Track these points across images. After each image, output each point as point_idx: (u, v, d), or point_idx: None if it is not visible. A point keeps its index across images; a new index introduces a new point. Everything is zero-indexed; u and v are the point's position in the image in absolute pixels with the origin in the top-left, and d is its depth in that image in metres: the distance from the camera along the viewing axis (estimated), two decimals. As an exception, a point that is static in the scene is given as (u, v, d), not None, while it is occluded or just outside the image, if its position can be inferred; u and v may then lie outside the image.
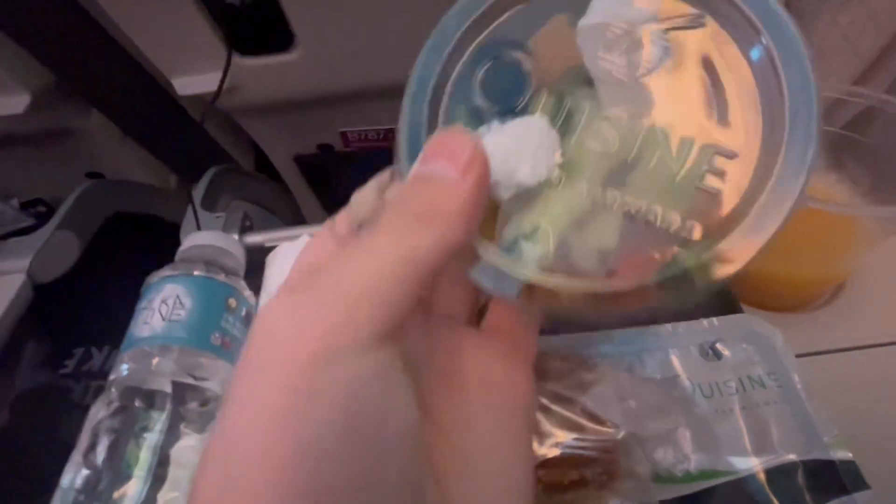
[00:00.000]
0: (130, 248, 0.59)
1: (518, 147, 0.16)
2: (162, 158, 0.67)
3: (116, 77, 0.55)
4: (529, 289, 0.16)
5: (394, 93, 0.26)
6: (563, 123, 0.17)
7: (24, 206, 0.70)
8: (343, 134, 0.65)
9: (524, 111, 0.17)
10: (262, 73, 0.53)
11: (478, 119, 0.17)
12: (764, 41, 0.15)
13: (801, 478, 0.25)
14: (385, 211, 0.15)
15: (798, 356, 0.33)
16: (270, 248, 0.45)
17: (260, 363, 0.13)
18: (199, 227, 0.45)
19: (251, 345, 0.13)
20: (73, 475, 0.28)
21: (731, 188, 0.15)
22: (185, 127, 0.64)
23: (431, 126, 0.17)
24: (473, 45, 0.18)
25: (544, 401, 0.21)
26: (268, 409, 0.12)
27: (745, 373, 0.28)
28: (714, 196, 0.15)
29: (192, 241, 0.39)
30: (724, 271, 0.15)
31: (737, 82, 0.16)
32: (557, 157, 0.16)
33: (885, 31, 0.51)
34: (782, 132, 0.15)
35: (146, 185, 0.68)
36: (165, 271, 0.35)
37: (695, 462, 0.24)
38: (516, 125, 0.16)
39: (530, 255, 0.16)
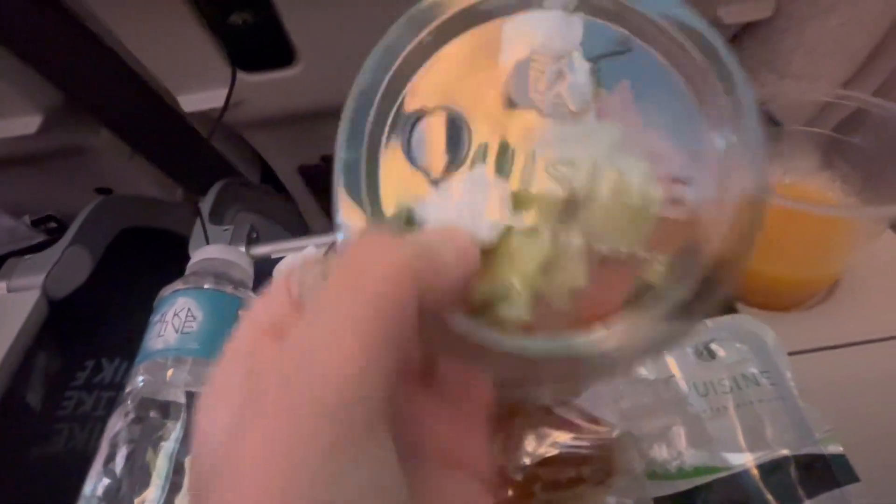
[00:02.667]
0: (140, 261, 0.61)
1: (469, 205, 0.15)
2: (169, 173, 0.69)
3: (124, 96, 0.57)
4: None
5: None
6: (508, 168, 0.16)
7: (36, 223, 0.71)
8: (345, 145, 0.66)
9: (462, 164, 0.16)
10: (265, 88, 0.55)
11: (414, 184, 0.16)
12: (693, 56, 0.15)
13: (793, 472, 0.26)
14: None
15: (792, 354, 0.34)
16: (277, 259, 0.46)
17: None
18: (207, 241, 0.47)
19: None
20: (95, 484, 0.29)
21: (690, 213, 0.15)
22: (191, 142, 0.65)
23: (371, 197, 0.16)
24: (396, 103, 0.16)
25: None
26: None
27: (739, 371, 0.29)
28: (676, 223, 0.15)
29: (201, 254, 0.41)
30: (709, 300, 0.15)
31: (674, 104, 0.15)
32: (510, 206, 0.15)
33: (876, 32, 0.52)
34: (728, 146, 0.15)
35: (154, 199, 0.70)
36: (177, 285, 0.37)
37: (689, 458, 0.25)
38: (462, 182, 0.16)
39: (507, 315, 0.15)
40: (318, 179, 0.73)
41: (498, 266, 0.15)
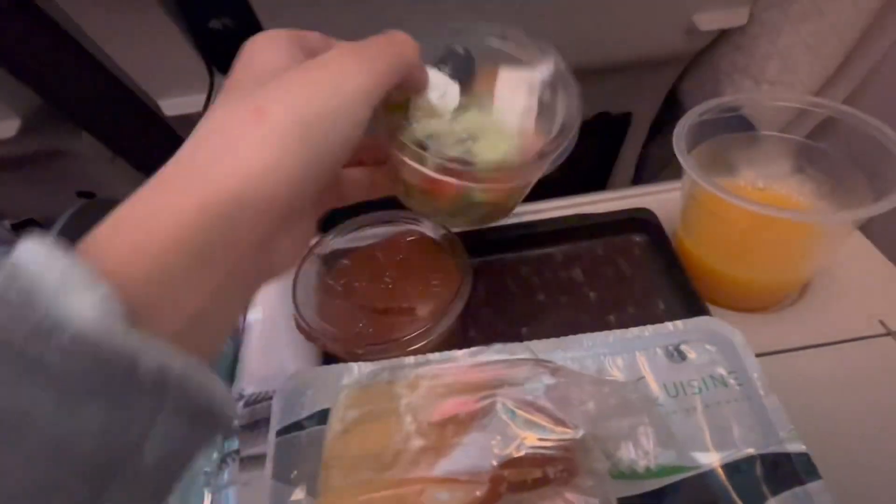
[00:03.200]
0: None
1: (444, 86, 0.28)
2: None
3: (103, 99, 0.56)
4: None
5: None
6: (467, 99, 0.29)
7: (16, 227, 0.71)
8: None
9: (453, 77, 0.29)
10: (246, 92, 0.55)
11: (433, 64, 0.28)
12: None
13: (758, 470, 0.26)
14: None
15: (761, 355, 0.35)
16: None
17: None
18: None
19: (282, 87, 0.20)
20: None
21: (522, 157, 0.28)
22: (174, 146, 0.65)
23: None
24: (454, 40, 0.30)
25: (510, 404, 0.23)
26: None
27: (708, 373, 0.30)
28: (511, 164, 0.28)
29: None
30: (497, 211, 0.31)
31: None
32: (454, 103, 0.29)
33: (847, 39, 0.53)
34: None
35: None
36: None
37: (657, 458, 0.25)
38: (448, 79, 0.28)
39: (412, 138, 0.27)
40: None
41: (428, 122, 0.29)
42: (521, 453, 0.21)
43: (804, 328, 0.39)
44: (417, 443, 0.22)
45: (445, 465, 0.21)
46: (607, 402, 0.23)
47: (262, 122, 0.19)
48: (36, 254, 0.15)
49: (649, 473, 0.25)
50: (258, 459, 0.30)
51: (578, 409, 0.23)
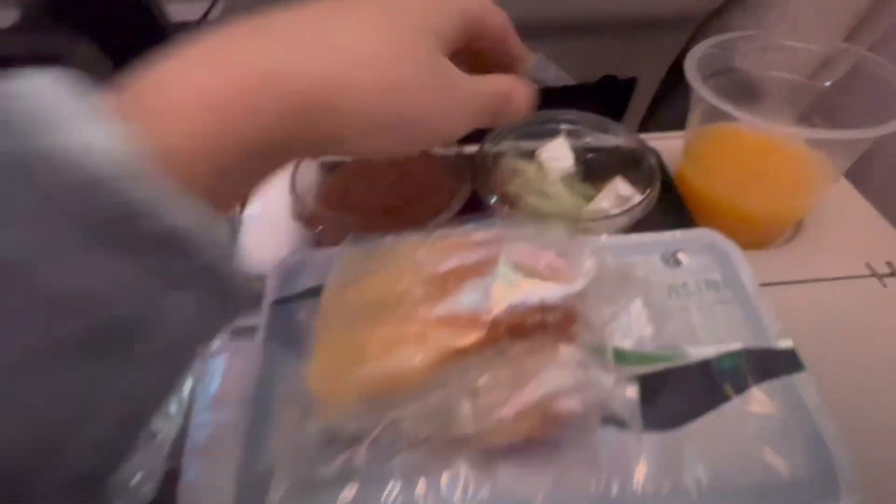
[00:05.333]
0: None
1: (561, 156, 0.38)
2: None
3: (106, 1, 0.55)
4: None
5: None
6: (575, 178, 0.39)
7: None
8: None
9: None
10: None
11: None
12: None
13: (745, 362, 0.27)
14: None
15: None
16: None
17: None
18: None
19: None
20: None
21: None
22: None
23: None
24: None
25: (514, 256, 0.22)
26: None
27: (703, 277, 0.30)
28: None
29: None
30: None
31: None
32: (558, 173, 0.37)
33: (855, 7, 0.53)
34: None
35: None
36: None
37: (649, 345, 0.26)
38: (569, 154, 0.38)
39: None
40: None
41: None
42: (520, 299, 0.21)
43: (795, 267, 0.39)
44: (419, 290, 0.22)
45: (445, 308, 0.21)
46: (609, 272, 0.24)
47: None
48: (40, 83, 0.14)
49: (640, 358, 0.26)
50: (250, 330, 0.30)
51: (580, 268, 0.23)
